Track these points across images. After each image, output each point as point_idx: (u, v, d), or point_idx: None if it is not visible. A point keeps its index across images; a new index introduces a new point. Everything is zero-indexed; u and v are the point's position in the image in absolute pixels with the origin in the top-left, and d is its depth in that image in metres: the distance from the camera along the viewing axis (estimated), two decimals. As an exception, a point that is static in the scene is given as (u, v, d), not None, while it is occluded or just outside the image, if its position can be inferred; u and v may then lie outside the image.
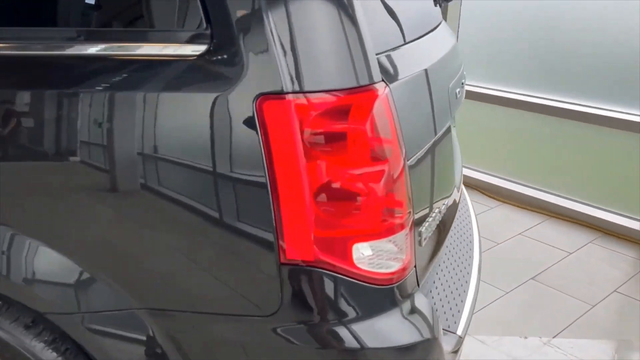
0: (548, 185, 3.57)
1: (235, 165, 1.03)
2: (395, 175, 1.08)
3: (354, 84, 1.02)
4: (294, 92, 0.99)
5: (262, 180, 1.02)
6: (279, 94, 0.99)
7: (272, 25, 0.98)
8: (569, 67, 3.40)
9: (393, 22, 1.32)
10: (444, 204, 1.40)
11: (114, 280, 1.15)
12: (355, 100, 1.02)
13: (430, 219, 1.28)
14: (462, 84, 1.66)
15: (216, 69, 1.02)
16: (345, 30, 1.02)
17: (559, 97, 3.44)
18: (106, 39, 1.13)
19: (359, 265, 1.09)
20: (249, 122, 1.00)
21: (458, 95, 1.54)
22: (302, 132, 0.99)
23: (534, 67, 3.56)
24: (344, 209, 1.04)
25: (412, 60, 1.30)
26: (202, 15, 1.01)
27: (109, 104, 1.07)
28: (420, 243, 1.22)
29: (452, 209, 1.55)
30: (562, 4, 3.36)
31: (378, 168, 1.05)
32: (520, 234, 3.25)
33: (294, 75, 0.98)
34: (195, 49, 1.03)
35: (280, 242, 1.05)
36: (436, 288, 1.56)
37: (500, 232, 3.24)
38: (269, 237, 1.05)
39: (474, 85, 3.80)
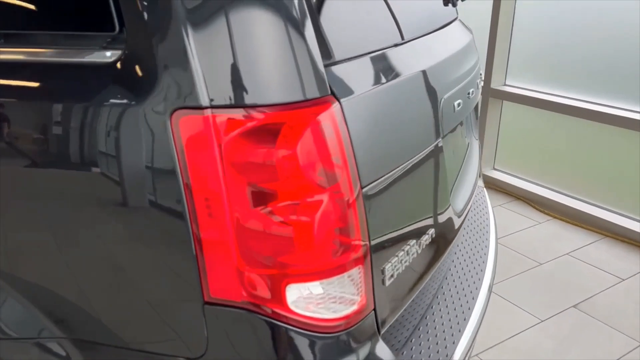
0: (605, 200, 3.25)
1: (150, 190, 0.90)
2: (346, 204, 0.92)
3: (288, 99, 0.86)
4: (213, 107, 0.85)
5: (180, 207, 0.89)
6: (197, 109, 0.85)
7: (190, 29, 0.84)
8: (633, 75, 3.06)
9: (372, 21, 1.15)
10: (427, 234, 1.21)
11: (36, 307, 1.06)
12: (287, 118, 0.86)
13: (402, 253, 1.10)
14: (469, 94, 1.44)
15: (130, 78, 0.89)
16: (282, 34, 0.87)
17: (622, 105, 3.10)
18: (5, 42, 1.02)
19: (296, 310, 0.93)
20: (165, 141, 0.87)
21: (457, 109, 1.33)
22: (222, 154, 0.85)
23: (595, 73, 3.24)
24: (274, 245, 0.89)
25: (390, 67, 1.11)
26: (115, 16, 0.89)
27: (7, 114, 0.96)
28: (383, 282, 1.05)
29: (445, 238, 1.35)
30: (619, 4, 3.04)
31: (315, 198, 0.88)
32: (567, 254, 2.95)
33: (214, 88, 0.84)
34: (106, 55, 0.90)
35: (203, 279, 0.91)
36: (427, 325, 1.38)
37: (546, 251, 2.96)
38: (191, 272, 0.92)
39: (529, 89, 3.53)
